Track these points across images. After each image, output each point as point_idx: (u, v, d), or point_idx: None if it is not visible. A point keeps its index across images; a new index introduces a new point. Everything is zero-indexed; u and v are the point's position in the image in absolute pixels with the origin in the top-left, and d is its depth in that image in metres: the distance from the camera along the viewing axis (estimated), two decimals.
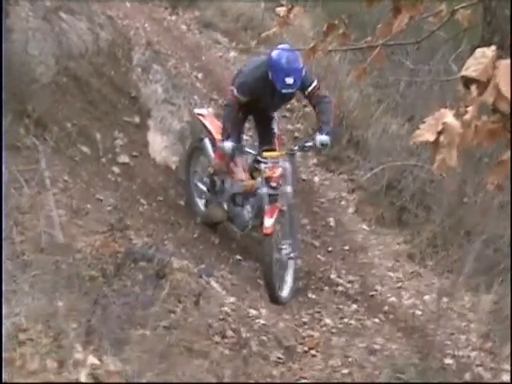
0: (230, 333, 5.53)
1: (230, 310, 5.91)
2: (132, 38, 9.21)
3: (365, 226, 8.87)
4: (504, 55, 2.59)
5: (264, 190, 6.95)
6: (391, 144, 9.73)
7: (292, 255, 7.08)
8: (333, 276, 7.75)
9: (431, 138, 2.62)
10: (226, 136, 7.07)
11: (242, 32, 11.39)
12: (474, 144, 2.71)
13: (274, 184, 6.91)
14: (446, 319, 6.72)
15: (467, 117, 2.61)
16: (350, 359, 6.05)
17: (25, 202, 5.40)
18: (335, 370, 5.85)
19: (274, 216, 6.83)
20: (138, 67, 8.82)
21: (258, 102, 7.19)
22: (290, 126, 10.20)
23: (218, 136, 7.33)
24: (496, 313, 7.22)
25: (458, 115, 2.63)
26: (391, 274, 8.06)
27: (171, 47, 9.98)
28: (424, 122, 2.66)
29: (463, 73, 2.60)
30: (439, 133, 2.62)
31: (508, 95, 2.56)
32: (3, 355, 3.56)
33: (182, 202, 7.92)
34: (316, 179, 9.52)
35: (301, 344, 6.17)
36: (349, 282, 7.74)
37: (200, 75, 9.89)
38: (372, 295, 7.62)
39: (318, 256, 8.08)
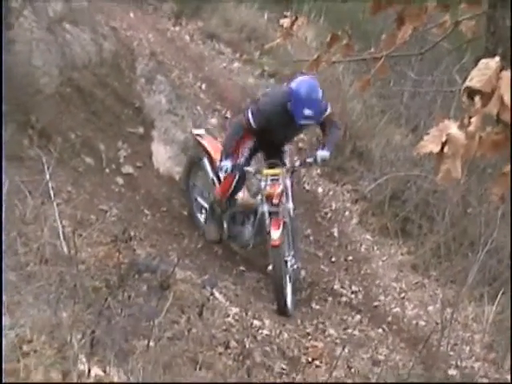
0: (233, 343, 5.51)
1: (233, 321, 5.90)
2: (135, 49, 9.22)
3: (368, 237, 8.86)
4: (506, 66, 2.60)
5: (265, 208, 6.93)
6: (395, 154, 9.75)
7: (295, 266, 7.08)
8: (336, 286, 7.75)
9: (435, 149, 2.63)
10: (224, 155, 7.00)
11: (246, 43, 11.38)
12: (478, 155, 2.72)
13: (275, 201, 6.88)
14: (449, 330, 6.71)
15: (471, 128, 2.62)
16: (353, 370, 6.05)
17: (29, 213, 5.39)
18: (339, 380, 5.84)
19: (281, 227, 6.80)
20: (142, 78, 8.84)
21: (269, 134, 7.11)
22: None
23: (216, 156, 7.29)
24: (499, 323, 7.22)
25: (461, 126, 2.64)
26: (395, 284, 8.06)
27: (175, 58, 9.98)
28: (428, 133, 2.67)
29: (467, 84, 2.60)
30: (443, 144, 2.62)
31: (509, 106, 2.56)
32: (4, 366, 3.56)
33: (186, 213, 7.92)
34: (320, 190, 9.51)
35: (304, 355, 6.15)
36: (352, 292, 7.74)
37: (203, 86, 9.89)
38: (376, 306, 7.62)
39: (322, 266, 8.08)
